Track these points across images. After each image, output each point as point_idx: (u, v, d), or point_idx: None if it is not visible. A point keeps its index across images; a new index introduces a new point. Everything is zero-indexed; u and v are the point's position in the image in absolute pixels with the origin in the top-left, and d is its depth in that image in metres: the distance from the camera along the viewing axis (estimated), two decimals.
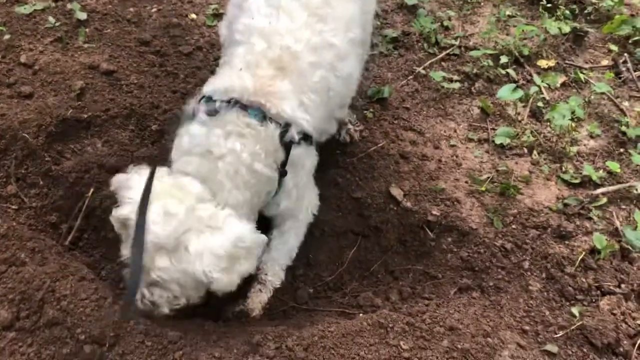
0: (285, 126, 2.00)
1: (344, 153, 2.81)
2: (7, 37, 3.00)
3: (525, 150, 2.94)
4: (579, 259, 2.42)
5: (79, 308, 2.00)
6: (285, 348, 2.00)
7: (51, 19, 3.17)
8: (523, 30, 3.47)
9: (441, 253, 2.60)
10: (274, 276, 2.40)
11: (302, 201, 2.28)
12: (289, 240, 2.36)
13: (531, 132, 3.00)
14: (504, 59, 3.33)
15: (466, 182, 2.78)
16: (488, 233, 2.58)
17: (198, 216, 1.88)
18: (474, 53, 3.32)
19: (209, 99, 2.01)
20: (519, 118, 3.09)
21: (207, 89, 2.08)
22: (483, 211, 2.65)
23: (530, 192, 2.74)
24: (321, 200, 2.48)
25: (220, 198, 1.96)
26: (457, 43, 3.46)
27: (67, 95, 2.74)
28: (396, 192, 2.69)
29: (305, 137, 2.07)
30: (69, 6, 3.26)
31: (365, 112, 3.03)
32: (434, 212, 2.64)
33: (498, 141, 2.94)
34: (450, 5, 3.76)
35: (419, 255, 2.63)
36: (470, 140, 2.99)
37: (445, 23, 3.58)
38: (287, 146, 2.02)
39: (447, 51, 3.42)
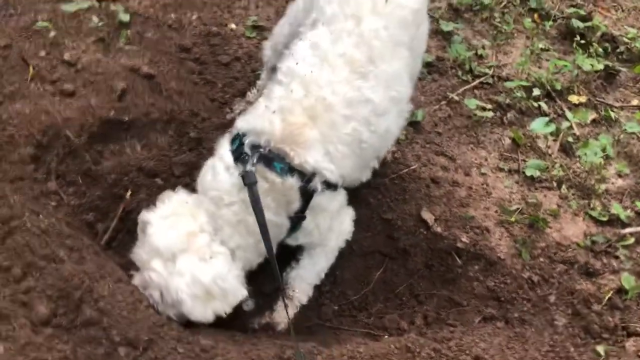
0: (308, 177, 2.05)
1: (376, 174, 2.82)
2: (52, 34, 3.05)
3: (555, 184, 2.96)
4: (606, 298, 2.44)
5: (116, 309, 2.03)
6: None
7: (95, 18, 3.22)
8: (556, 65, 3.51)
9: (467, 281, 2.62)
10: (301, 293, 2.44)
11: (329, 234, 2.33)
12: (318, 262, 2.41)
13: (561, 166, 3.03)
14: (536, 92, 3.37)
15: (496, 211, 2.81)
16: (515, 264, 2.60)
17: (195, 242, 2.04)
18: (508, 84, 3.35)
19: (240, 141, 2.08)
20: (549, 152, 3.12)
21: (241, 125, 2.13)
22: (511, 242, 2.68)
23: (558, 227, 2.77)
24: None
25: (220, 237, 2.09)
26: (490, 72, 3.49)
27: (109, 97, 2.77)
28: (427, 216, 2.72)
29: (329, 185, 2.12)
30: (112, 7, 3.31)
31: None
32: (463, 239, 2.67)
33: (528, 173, 2.97)
34: (485, 34, 3.80)
35: (444, 281, 2.65)
36: (501, 169, 3.02)
37: (480, 52, 3.62)
38: (307, 195, 2.08)
39: (481, 79, 3.46)
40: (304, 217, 2.12)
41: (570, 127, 3.23)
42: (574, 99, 3.43)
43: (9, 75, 2.78)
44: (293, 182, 2.03)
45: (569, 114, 3.27)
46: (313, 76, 2.09)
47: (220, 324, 2.21)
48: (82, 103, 2.69)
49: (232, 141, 2.12)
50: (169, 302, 2.06)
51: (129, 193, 2.52)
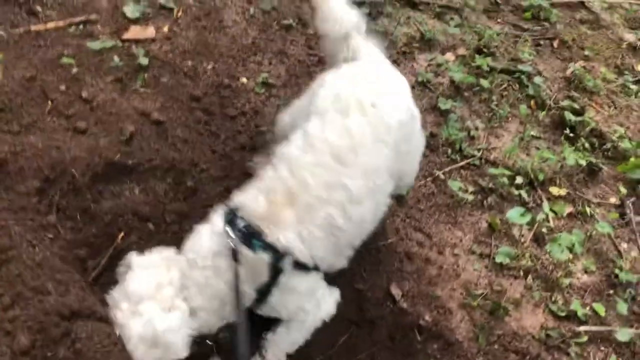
0: (278, 255, 2.21)
1: None
2: (75, 70, 3.27)
3: (522, 273, 3.14)
4: None
5: (90, 352, 2.19)
6: None
7: (116, 58, 3.45)
8: (542, 157, 3.70)
9: (425, 357, 2.78)
10: (274, 356, 2.58)
11: (302, 313, 2.47)
12: (293, 335, 2.54)
13: (530, 256, 3.21)
14: (519, 180, 3.56)
15: (461, 293, 2.98)
16: (472, 348, 2.77)
17: (162, 293, 2.22)
18: (492, 170, 3.54)
19: (233, 214, 2.27)
20: (522, 240, 3.30)
21: (236, 201, 2.33)
22: (471, 326, 2.84)
23: (518, 316, 2.93)
24: None
25: (185, 295, 2.26)
26: (479, 154, 3.69)
27: (117, 139, 2.99)
28: (396, 291, 2.89)
29: (299, 266, 2.27)
30: (134, 49, 3.54)
31: None
32: (426, 318, 2.84)
33: (498, 259, 3.14)
34: (481, 115, 4.00)
35: (405, 354, 2.81)
36: (473, 252, 3.19)
37: (472, 132, 3.82)
38: (276, 271, 2.24)
39: (469, 160, 3.65)
40: (268, 292, 2.29)
41: (546, 219, 3.41)
42: (554, 190, 3.61)
43: (29, 106, 3.01)
44: (264, 257, 2.20)
45: (546, 205, 3.45)
46: (299, 159, 2.29)
47: None
48: (92, 142, 2.90)
49: (227, 213, 2.30)
50: (125, 340, 2.21)
51: (121, 234, 2.71)
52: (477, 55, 4.37)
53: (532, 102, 4.21)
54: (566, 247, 3.18)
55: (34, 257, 2.38)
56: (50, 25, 3.49)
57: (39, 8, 3.59)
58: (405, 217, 3.25)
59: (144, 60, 3.49)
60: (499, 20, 4.94)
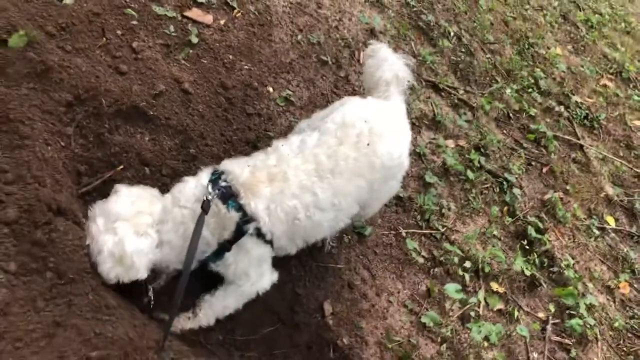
0: (246, 218, 2.60)
1: (310, 255, 3.34)
2: (134, 22, 3.67)
3: (439, 339, 3.47)
4: None
5: (61, 245, 2.47)
6: None
7: (172, 27, 3.85)
8: (493, 254, 4.08)
9: None
10: (205, 316, 2.87)
11: (245, 277, 2.79)
12: (227, 299, 2.85)
13: (452, 329, 3.54)
14: (467, 264, 3.93)
15: (381, 333, 3.30)
16: None
17: (139, 219, 2.56)
18: (448, 246, 3.92)
19: (218, 176, 2.67)
20: (450, 313, 3.64)
21: (224, 164, 2.76)
22: None
23: None
24: None
25: (160, 227, 2.61)
26: (442, 230, 4.07)
27: (148, 91, 3.35)
28: (327, 307, 3.21)
29: (259, 234, 2.66)
30: (189, 27, 3.95)
31: (344, 235, 3.60)
32: (344, 340, 3.15)
33: (423, 320, 3.47)
34: (457, 200, 4.41)
35: None
36: (405, 306, 3.53)
37: (444, 210, 4.22)
38: (240, 231, 2.62)
39: (432, 231, 4.03)
40: (229, 248, 2.63)
41: (477, 305, 3.76)
42: (494, 285, 3.98)
43: (86, 36, 3.37)
44: (234, 215, 2.58)
45: (482, 294, 3.81)
46: (288, 157, 2.69)
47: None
48: (126, 84, 3.27)
49: (213, 172, 2.69)
50: (94, 251, 2.52)
51: (120, 167, 3.04)
52: (473, 151, 4.82)
53: (505, 208, 4.64)
54: (485, 333, 3.52)
55: (44, 153, 2.71)
56: None
57: None
58: (360, 254, 3.60)
59: (194, 39, 3.89)
60: (504, 131, 5.43)
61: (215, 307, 2.84)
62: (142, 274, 2.58)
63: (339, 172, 2.77)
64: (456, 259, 3.91)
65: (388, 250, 3.75)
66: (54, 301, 2.38)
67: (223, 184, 2.63)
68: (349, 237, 3.64)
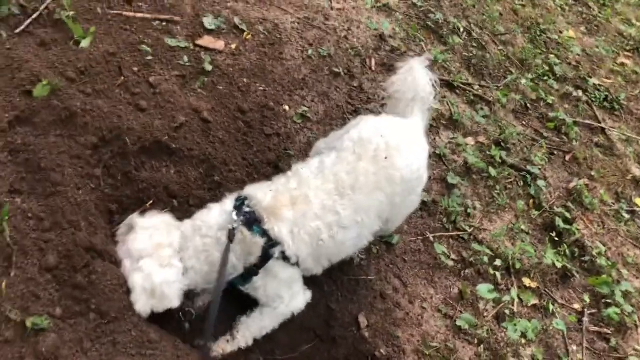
0: (271, 243, 2.69)
1: (340, 270, 3.41)
2: (149, 57, 3.78)
3: (476, 340, 3.50)
4: None
5: (101, 286, 2.58)
6: None
7: (185, 58, 3.95)
8: (523, 249, 4.09)
9: None
10: (243, 338, 2.96)
11: (280, 299, 2.88)
12: (264, 320, 2.93)
13: (488, 330, 3.57)
14: (498, 262, 3.95)
15: (418, 340, 3.34)
16: None
17: (160, 252, 2.67)
18: (477, 246, 3.94)
19: (242, 202, 2.76)
20: (485, 314, 3.67)
21: (247, 190, 2.85)
22: None
23: None
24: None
25: (182, 255, 2.72)
26: (469, 231, 4.10)
27: (169, 124, 3.45)
28: (362, 320, 3.27)
29: (285, 258, 2.74)
30: (202, 55, 4.04)
31: (373, 246, 3.65)
32: (382, 350, 3.20)
33: (458, 323, 3.51)
34: (482, 198, 4.43)
35: None
36: (439, 311, 3.57)
37: (469, 210, 4.24)
38: (266, 256, 2.71)
39: (459, 233, 4.06)
40: (256, 273, 2.72)
41: (511, 303, 3.78)
42: (526, 281, 3.99)
43: (105, 77, 3.49)
44: (259, 240, 2.67)
45: (515, 291, 3.83)
46: (308, 179, 2.77)
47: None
48: (147, 120, 3.37)
49: (237, 199, 2.78)
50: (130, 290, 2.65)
51: (150, 202, 3.15)
52: (494, 146, 4.83)
53: (531, 201, 4.63)
54: (521, 330, 3.54)
55: (77, 198, 2.83)
56: (139, 15, 4.02)
57: None
58: (390, 263, 3.65)
59: (208, 67, 3.99)
60: (523, 122, 5.41)
61: (252, 328, 2.92)
62: (175, 302, 2.68)
63: (359, 187, 2.83)
64: (486, 259, 3.94)
65: (417, 256, 3.79)
66: (99, 341, 2.49)
67: (247, 209, 2.71)
68: (377, 247, 3.69)
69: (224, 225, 2.71)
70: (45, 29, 3.56)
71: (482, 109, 5.18)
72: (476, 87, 5.37)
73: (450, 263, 3.83)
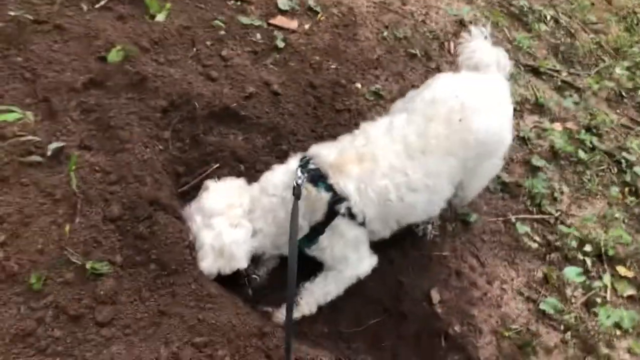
0: (337, 198, 2.54)
1: (412, 244, 3.21)
2: (222, 32, 3.79)
3: (562, 327, 3.17)
4: None
5: (162, 236, 2.55)
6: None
7: (258, 35, 3.94)
8: (619, 235, 3.71)
9: None
10: (307, 304, 2.82)
11: (344, 262, 2.73)
12: (328, 285, 2.79)
13: (575, 316, 3.23)
14: (588, 248, 3.60)
15: (497, 322, 3.07)
16: None
17: (231, 211, 2.62)
18: (563, 228, 3.62)
19: (306, 161, 2.65)
20: (573, 300, 3.33)
21: (312, 149, 2.73)
22: (497, 350, 2.93)
23: None
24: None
25: (251, 216, 2.65)
26: (556, 215, 3.77)
27: (239, 94, 3.42)
28: (435, 294, 3.05)
29: (351, 215, 2.58)
30: (275, 33, 4.02)
31: (447, 223, 3.43)
32: (455, 328, 2.96)
33: (543, 307, 3.20)
34: (570, 183, 4.09)
35: (426, 356, 2.94)
36: (521, 294, 3.27)
37: (556, 194, 3.92)
38: (332, 212, 2.56)
39: (544, 216, 3.75)
40: (322, 231, 2.58)
41: (604, 290, 3.42)
42: (621, 270, 3.61)
43: (178, 48, 3.52)
44: (324, 196, 2.53)
45: (607, 278, 3.46)
46: (376, 138, 2.64)
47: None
48: (217, 88, 3.36)
49: (302, 158, 2.68)
50: (195, 247, 2.60)
51: (216, 165, 3.11)
52: (584, 131, 4.48)
53: (626, 189, 4.23)
54: (615, 320, 3.18)
55: (144, 155, 2.83)
56: None
57: None
58: (466, 242, 3.41)
59: (281, 44, 3.95)
60: (617, 110, 5.00)
61: (317, 294, 2.78)
62: (243, 263, 2.60)
63: (429, 151, 2.64)
64: (574, 243, 3.60)
65: (497, 237, 3.52)
66: (158, 292, 2.45)
67: (312, 167, 2.59)
68: (453, 225, 3.46)
69: (289, 184, 2.60)
70: (123, 5, 3.65)
71: (570, 95, 4.84)
72: (564, 73, 5.04)
73: (534, 245, 3.53)
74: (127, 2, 3.69)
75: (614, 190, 4.12)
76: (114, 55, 3.13)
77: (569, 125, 4.58)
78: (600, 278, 3.51)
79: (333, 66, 4.08)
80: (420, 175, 2.64)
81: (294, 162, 2.72)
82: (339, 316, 2.94)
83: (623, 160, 4.33)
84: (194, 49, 3.57)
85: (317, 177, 2.57)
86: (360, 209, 2.58)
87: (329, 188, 2.55)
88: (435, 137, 2.66)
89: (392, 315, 3.00)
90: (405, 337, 2.97)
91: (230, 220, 2.60)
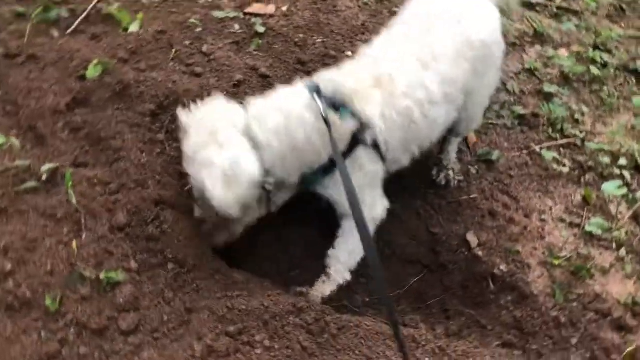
0: (361, 127, 2.34)
1: (436, 194, 3.04)
2: (198, 30, 3.69)
3: (614, 245, 2.96)
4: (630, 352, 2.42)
5: (175, 233, 2.44)
6: (323, 322, 2.26)
7: (236, 26, 3.83)
8: None
9: (497, 308, 2.71)
10: (337, 273, 2.63)
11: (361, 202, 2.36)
12: (349, 241, 2.57)
13: (627, 232, 3.02)
14: (622, 161, 3.39)
15: (543, 253, 2.88)
16: (547, 302, 2.66)
17: (216, 137, 2.25)
18: (592, 145, 3.41)
19: (317, 88, 2.37)
20: (619, 217, 3.12)
21: (318, 78, 2.48)
22: (549, 282, 2.74)
23: (604, 282, 2.77)
24: (399, 225, 2.76)
25: (254, 131, 2.29)
26: (581, 135, 3.57)
27: (227, 83, 3.30)
28: (472, 239, 2.87)
29: (375, 146, 2.38)
30: (252, 20, 3.90)
31: (470, 167, 3.25)
32: (501, 268, 2.78)
33: (589, 229, 3.00)
34: (589, 103, 3.88)
35: (476, 303, 2.77)
36: (562, 221, 3.08)
37: (577, 116, 3.71)
38: (354, 142, 2.34)
39: (569, 140, 3.54)
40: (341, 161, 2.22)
41: None
42: None
43: (157, 53, 3.42)
44: (350, 124, 2.33)
45: None
46: (383, 58, 2.49)
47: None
48: (204, 82, 3.24)
49: (309, 86, 2.41)
50: (201, 196, 2.29)
51: None
52: (592, 50, 4.26)
53: None
54: None
55: (140, 159, 2.72)
56: None
57: None
58: (494, 181, 3.23)
59: (261, 29, 3.83)
60: (622, 24, 4.77)
61: (342, 257, 2.59)
62: (255, 171, 2.26)
63: (441, 55, 2.50)
64: (607, 159, 3.39)
65: (524, 170, 3.33)
66: (181, 290, 2.33)
67: (329, 93, 2.36)
68: (476, 167, 3.28)
69: (306, 103, 2.32)
70: (95, 25, 3.59)
71: (569, 20, 4.63)
72: (558, 0, 4.83)
73: (565, 170, 3.32)
74: (99, 22, 3.64)
75: (637, 99, 3.90)
76: (92, 71, 3.04)
77: (575, 48, 4.37)
78: None
79: (319, 40, 3.94)
80: (437, 85, 2.49)
81: (300, 86, 2.45)
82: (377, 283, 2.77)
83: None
84: (174, 51, 3.47)
85: (339, 104, 2.35)
86: (384, 137, 2.40)
87: (354, 115, 2.35)
88: (441, 42, 2.53)
89: (432, 270, 2.84)
90: (451, 289, 2.81)
91: (217, 144, 2.26)
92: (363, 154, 2.39)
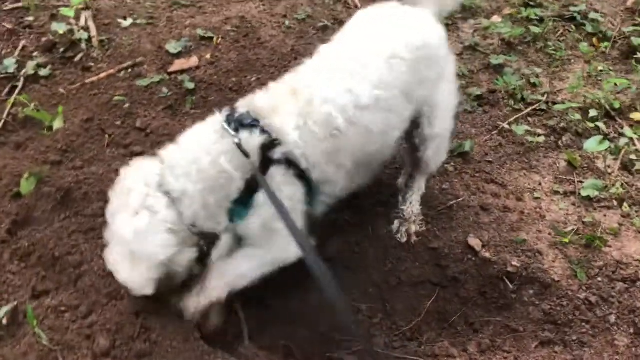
0: (271, 140, 2.07)
1: (424, 203, 2.86)
2: (127, 105, 3.44)
3: (615, 202, 2.84)
4: None
5: (166, 341, 2.20)
6: None
7: (165, 89, 3.60)
8: (615, 84, 3.41)
9: (522, 305, 2.55)
10: (213, 289, 2.25)
11: (271, 237, 2.16)
12: (241, 264, 2.25)
13: (622, 184, 2.90)
14: (593, 113, 3.28)
15: (549, 233, 2.73)
16: (571, 285, 2.51)
17: (130, 199, 2.06)
18: (559, 106, 3.30)
19: (230, 112, 2.20)
20: (609, 171, 3.01)
21: (238, 103, 2.28)
22: (566, 263, 2.59)
23: (619, 245, 2.64)
24: (395, 248, 2.58)
25: (167, 182, 2.06)
26: (544, 99, 3.46)
27: None
28: (474, 242, 2.70)
29: (290, 164, 2.10)
30: (179, 78, 3.68)
31: (446, 165, 3.09)
32: (514, 263, 2.61)
33: (585, 193, 2.87)
34: (539, 63, 3.78)
35: (499, 307, 2.59)
36: (556, 192, 2.94)
37: (532, 80, 3.60)
38: (266, 160, 2.07)
39: (534, 107, 3.43)
40: (257, 184, 2.04)
41: (632, 143, 3.10)
42: (636, 116, 3.30)
43: (90, 143, 3.17)
44: (257, 139, 2.06)
45: (628, 130, 3.15)
46: (305, 70, 2.32)
47: None
48: None
49: (223, 112, 2.23)
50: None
51: None
52: (524, 9, 4.18)
53: (594, 39, 3.94)
54: None
55: (105, 269, 2.44)
56: (102, 75, 3.72)
57: (91, 63, 3.83)
58: (474, 173, 3.07)
59: (191, 85, 3.61)
60: None
61: (225, 275, 2.25)
62: (158, 254, 2.03)
63: (371, 54, 2.27)
64: (578, 115, 3.28)
65: (500, 151, 3.19)
66: None
67: (238, 113, 2.15)
68: (453, 163, 3.12)
69: (216, 132, 2.12)
70: (16, 134, 3.32)
71: None
72: None
73: (541, 139, 3.20)
74: (19, 128, 3.37)
75: (584, 46, 3.82)
76: (26, 186, 2.77)
77: (506, 11, 4.29)
78: (621, 135, 3.19)
79: (253, 78, 3.75)
80: (366, 85, 2.21)
81: (216, 116, 2.24)
82: (394, 319, 2.58)
83: (576, 15, 4.04)
84: (107, 136, 3.22)
85: (249, 121, 2.10)
86: (302, 152, 2.11)
87: (262, 130, 2.08)
88: (374, 45, 2.30)
89: (444, 286, 2.65)
90: (469, 300, 2.62)
91: (129, 210, 2.04)
92: (277, 174, 2.10)
